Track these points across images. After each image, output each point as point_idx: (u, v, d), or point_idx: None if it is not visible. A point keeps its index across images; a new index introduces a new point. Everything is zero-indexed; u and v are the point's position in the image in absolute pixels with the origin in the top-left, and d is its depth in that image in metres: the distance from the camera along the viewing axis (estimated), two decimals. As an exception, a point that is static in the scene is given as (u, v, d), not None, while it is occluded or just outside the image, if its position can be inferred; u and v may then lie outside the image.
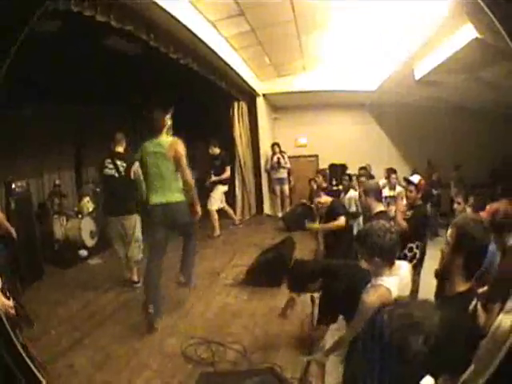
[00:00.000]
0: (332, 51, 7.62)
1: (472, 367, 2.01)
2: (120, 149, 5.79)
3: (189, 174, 4.72)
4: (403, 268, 2.83)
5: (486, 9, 1.82)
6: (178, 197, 4.74)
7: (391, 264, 2.72)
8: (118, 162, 5.67)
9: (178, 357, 4.03)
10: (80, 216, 7.52)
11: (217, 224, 8.05)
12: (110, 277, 6.13)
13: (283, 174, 9.23)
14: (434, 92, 7.28)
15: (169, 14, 5.08)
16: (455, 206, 4.60)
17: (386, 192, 6.00)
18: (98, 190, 7.70)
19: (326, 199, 5.34)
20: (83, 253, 7.16)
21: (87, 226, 7.52)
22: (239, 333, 4.40)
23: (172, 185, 4.73)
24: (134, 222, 5.79)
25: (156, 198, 4.71)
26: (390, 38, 6.57)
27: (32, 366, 1.99)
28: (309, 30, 6.73)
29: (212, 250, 7.35)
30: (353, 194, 6.27)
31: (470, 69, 6.25)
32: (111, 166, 5.70)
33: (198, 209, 4.81)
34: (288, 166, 9.16)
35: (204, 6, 5.85)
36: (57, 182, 8.10)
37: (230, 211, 8.55)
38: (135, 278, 5.83)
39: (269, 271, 5.54)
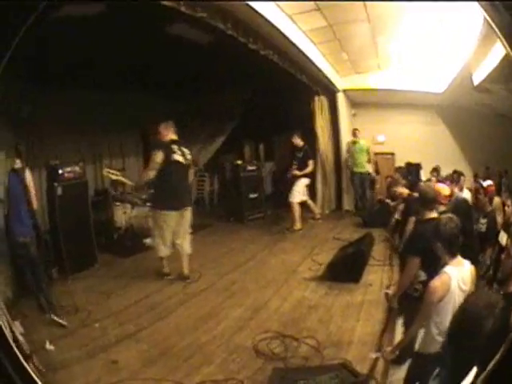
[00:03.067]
0: (403, 51, 7.48)
1: None
2: (176, 137, 5.80)
3: None
4: (466, 266, 3.18)
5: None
6: None
7: (452, 254, 3.16)
8: (184, 149, 5.72)
9: (247, 351, 4.00)
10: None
11: (298, 217, 8.03)
12: (176, 267, 5.94)
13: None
14: (488, 99, 6.99)
15: (246, 3, 5.04)
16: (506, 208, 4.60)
17: (458, 193, 6.10)
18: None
19: (403, 190, 5.29)
20: (149, 241, 6.63)
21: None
22: (314, 327, 4.40)
23: None
24: (190, 213, 5.87)
25: None
26: (454, 41, 6.38)
27: (35, 376, 2.01)
28: (381, 29, 6.63)
29: (291, 243, 7.40)
30: None
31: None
32: (179, 152, 5.68)
33: None
34: None
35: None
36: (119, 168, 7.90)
37: (312, 205, 8.48)
38: (187, 272, 5.83)
39: (348, 266, 5.55)
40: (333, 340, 4.12)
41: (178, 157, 5.63)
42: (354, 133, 8.68)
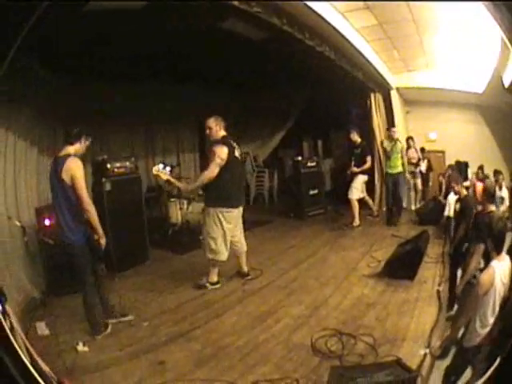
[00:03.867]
0: (446, 51, 7.50)
1: None
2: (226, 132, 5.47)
3: None
4: (506, 260, 3.30)
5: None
6: None
7: (499, 250, 3.28)
8: (236, 145, 5.48)
9: (305, 349, 3.97)
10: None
11: (357, 214, 8.12)
12: (236, 264, 5.88)
13: (416, 168, 8.97)
14: None
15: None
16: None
17: (497, 192, 6.24)
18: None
19: (462, 189, 5.37)
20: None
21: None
22: (371, 325, 4.42)
23: None
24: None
25: None
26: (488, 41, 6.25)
27: (40, 379, 1.99)
28: (425, 28, 6.68)
29: (351, 240, 7.48)
30: None
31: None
32: (238, 149, 5.49)
33: None
34: (415, 160, 8.85)
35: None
36: (173, 164, 7.89)
37: (370, 202, 8.54)
38: (247, 269, 5.80)
39: (405, 264, 5.58)
40: (388, 337, 4.13)
41: (237, 153, 5.43)
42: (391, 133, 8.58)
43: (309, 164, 9.33)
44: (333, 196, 9.71)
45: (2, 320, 1.99)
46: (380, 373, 3.45)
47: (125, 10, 4.95)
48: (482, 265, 3.93)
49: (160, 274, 6.07)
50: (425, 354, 3.68)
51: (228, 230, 5.40)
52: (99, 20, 4.85)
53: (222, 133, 5.41)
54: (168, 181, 5.63)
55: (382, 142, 8.81)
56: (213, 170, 5.23)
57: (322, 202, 9.38)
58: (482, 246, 3.91)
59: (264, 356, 3.91)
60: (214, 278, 5.58)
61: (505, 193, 6.36)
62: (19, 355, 1.96)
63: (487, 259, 3.77)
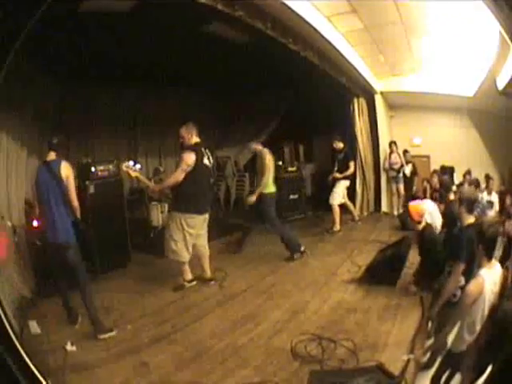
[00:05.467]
0: (435, 54, 7.50)
1: None
2: (199, 139, 5.51)
3: None
4: (497, 268, 3.28)
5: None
6: None
7: (489, 257, 3.23)
8: (208, 152, 5.56)
9: (284, 353, 3.98)
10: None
11: (338, 219, 8.06)
12: (216, 268, 5.96)
13: (399, 173, 8.94)
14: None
15: (284, 4, 5.07)
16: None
17: (485, 196, 6.32)
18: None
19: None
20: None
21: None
22: (351, 330, 4.41)
23: None
24: None
25: None
26: (480, 44, 6.31)
27: (37, 372, 1.98)
28: (415, 32, 6.66)
29: (331, 245, 7.41)
30: None
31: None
32: (206, 155, 5.52)
33: None
34: (398, 165, 8.86)
35: (317, 0, 5.81)
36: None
37: (351, 207, 8.51)
38: (210, 274, 5.80)
39: (387, 269, 5.54)
40: (369, 342, 4.12)
41: (206, 160, 5.49)
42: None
43: (289, 169, 9.30)
44: (313, 201, 9.65)
45: (3, 317, 2.00)
46: (360, 378, 3.42)
47: (111, 13, 4.98)
48: (462, 282, 3.82)
49: (142, 276, 6.08)
50: (408, 360, 3.63)
51: (189, 234, 5.47)
52: (84, 22, 4.90)
53: (195, 139, 5.47)
54: (137, 178, 5.63)
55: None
56: (178, 175, 5.34)
57: (302, 206, 9.31)
58: (461, 265, 3.82)
59: (244, 359, 3.92)
60: (189, 276, 5.68)
61: (494, 197, 6.39)
62: (20, 353, 1.95)
63: (470, 270, 3.72)
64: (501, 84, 6.78)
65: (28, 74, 5.57)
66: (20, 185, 5.63)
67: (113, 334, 4.42)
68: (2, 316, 1.97)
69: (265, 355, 3.99)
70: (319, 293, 5.46)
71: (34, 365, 1.98)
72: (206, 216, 5.64)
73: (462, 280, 3.83)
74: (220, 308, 5.09)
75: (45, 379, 2.00)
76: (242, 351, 4.07)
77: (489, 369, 1.98)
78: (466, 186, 6.72)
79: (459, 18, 5.76)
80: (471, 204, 4.14)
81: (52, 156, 4.53)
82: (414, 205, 5.32)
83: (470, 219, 4.08)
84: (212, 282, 5.78)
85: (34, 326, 4.29)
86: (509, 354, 1.80)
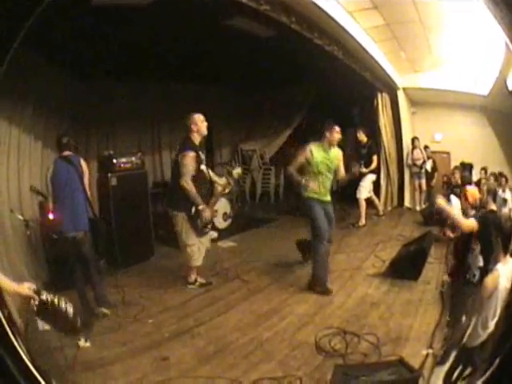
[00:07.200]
0: (453, 52, 7.50)
1: None
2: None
3: None
4: (510, 263, 3.29)
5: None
6: None
7: (506, 251, 3.28)
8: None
9: (309, 347, 3.99)
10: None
11: (364, 213, 8.09)
12: (242, 262, 6.08)
13: (421, 168, 8.87)
14: None
15: None
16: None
17: (500, 194, 6.22)
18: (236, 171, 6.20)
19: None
20: (212, 234, 6.30)
21: (222, 207, 7.20)
22: (375, 324, 4.46)
23: None
24: None
25: None
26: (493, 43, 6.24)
27: (37, 373, 1.96)
28: (432, 29, 6.64)
29: (357, 239, 7.45)
30: None
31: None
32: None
33: None
34: (421, 161, 8.83)
35: (341, -4, 5.79)
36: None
37: (377, 201, 8.51)
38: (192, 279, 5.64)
39: (409, 264, 5.61)
40: (391, 337, 4.16)
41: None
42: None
43: (314, 164, 9.25)
44: (339, 195, 9.67)
45: (1, 317, 1.97)
46: (383, 372, 3.50)
47: (132, 7, 4.97)
48: (481, 263, 3.90)
49: (165, 270, 6.04)
50: (427, 354, 3.70)
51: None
52: (104, 16, 4.84)
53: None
54: None
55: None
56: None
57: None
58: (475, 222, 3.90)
59: (268, 354, 3.92)
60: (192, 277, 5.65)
61: (508, 195, 6.37)
62: (19, 352, 1.94)
63: (487, 259, 3.79)
64: (511, 85, 6.72)
65: (39, 67, 5.45)
66: (33, 178, 5.57)
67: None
68: (1, 317, 1.95)
69: (289, 349, 3.99)
70: (344, 287, 5.51)
71: (33, 365, 1.98)
72: None
73: (481, 260, 3.90)
74: (245, 302, 5.08)
75: (45, 379, 2.01)
76: (266, 345, 4.07)
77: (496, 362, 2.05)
78: (491, 179, 6.73)
79: (472, 16, 5.75)
80: (494, 195, 4.25)
81: (67, 152, 4.77)
82: (470, 189, 5.34)
83: (494, 207, 4.19)
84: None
85: (43, 322, 4.12)
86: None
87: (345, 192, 8.96)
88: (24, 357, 1.94)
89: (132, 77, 7.08)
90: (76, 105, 6.35)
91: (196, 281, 5.58)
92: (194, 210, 5.27)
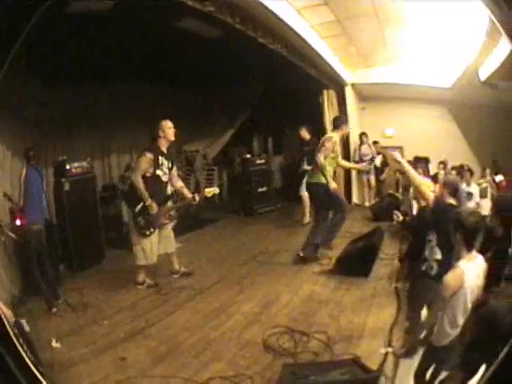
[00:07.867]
0: (412, 46, 7.45)
1: None
2: None
3: None
4: (478, 260, 3.19)
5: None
6: None
7: (470, 248, 3.14)
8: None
9: (257, 346, 3.95)
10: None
11: (307, 211, 7.93)
12: (188, 262, 6.01)
13: (370, 164, 8.74)
14: (494, 94, 6.98)
15: None
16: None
17: (464, 188, 6.11)
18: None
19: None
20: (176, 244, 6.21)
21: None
22: (324, 322, 4.37)
23: None
24: None
25: None
26: (461, 35, 6.37)
27: (35, 369, 2.00)
28: (389, 23, 6.60)
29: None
30: None
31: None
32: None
33: None
34: (369, 156, 8.77)
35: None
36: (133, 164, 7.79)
37: (321, 198, 8.45)
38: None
39: (358, 260, 5.54)
40: (343, 335, 4.08)
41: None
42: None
43: (258, 161, 9.20)
44: (284, 193, 9.60)
45: (2, 316, 2.06)
46: (335, 371, 3.37)
47: (89, 12, 5.10)
48: (438, 255, 3.77)
49: (116, 272, 6.06)
50: (386, 353, 3.59)
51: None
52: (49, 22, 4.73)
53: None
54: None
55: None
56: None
57: (272, 199, 9.23)
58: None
59: (216, 353, 3.90)
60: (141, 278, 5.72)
61: (474, 189, 6.40)
62: (18, 351, 2.00)
63: (444, 252, 3.68)
64: (484, 75, 6.81)
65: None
66: (5, 184, 5.60)
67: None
68: (2, 316, 2.05)
69: (237, 348, 3.96)
70: (290, 285, 5.43)
71: (33, 364, 2.04)
72: None
73: (438, 253, 3.77)
74: (192, 301, 5.09)
75: (44, 379, 2.07)
76: (215, 345, 4.05)
77: (482, 369, 1.93)
78: (453, 173, 6.74)
79: (436, 8, 5.78)
80: (454, 190, 4.08)
81: (33, 162, 5.39)
82: None
83: (452, 201, 4.02)
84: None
85: (24, 324, 4.20)
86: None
87: (288, 189, 8.91)
88: (25, 356, 2.01)
89: (84, 80, 6.99)
90: (38, 110, 6.42)
91: (144, 281, 5.63)
92: (139, 207, 5.43)
